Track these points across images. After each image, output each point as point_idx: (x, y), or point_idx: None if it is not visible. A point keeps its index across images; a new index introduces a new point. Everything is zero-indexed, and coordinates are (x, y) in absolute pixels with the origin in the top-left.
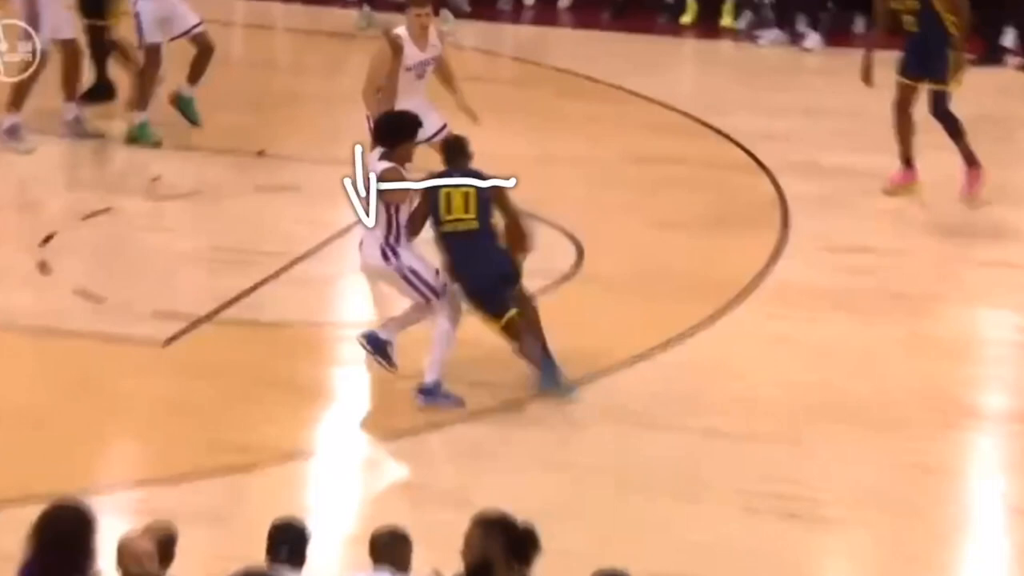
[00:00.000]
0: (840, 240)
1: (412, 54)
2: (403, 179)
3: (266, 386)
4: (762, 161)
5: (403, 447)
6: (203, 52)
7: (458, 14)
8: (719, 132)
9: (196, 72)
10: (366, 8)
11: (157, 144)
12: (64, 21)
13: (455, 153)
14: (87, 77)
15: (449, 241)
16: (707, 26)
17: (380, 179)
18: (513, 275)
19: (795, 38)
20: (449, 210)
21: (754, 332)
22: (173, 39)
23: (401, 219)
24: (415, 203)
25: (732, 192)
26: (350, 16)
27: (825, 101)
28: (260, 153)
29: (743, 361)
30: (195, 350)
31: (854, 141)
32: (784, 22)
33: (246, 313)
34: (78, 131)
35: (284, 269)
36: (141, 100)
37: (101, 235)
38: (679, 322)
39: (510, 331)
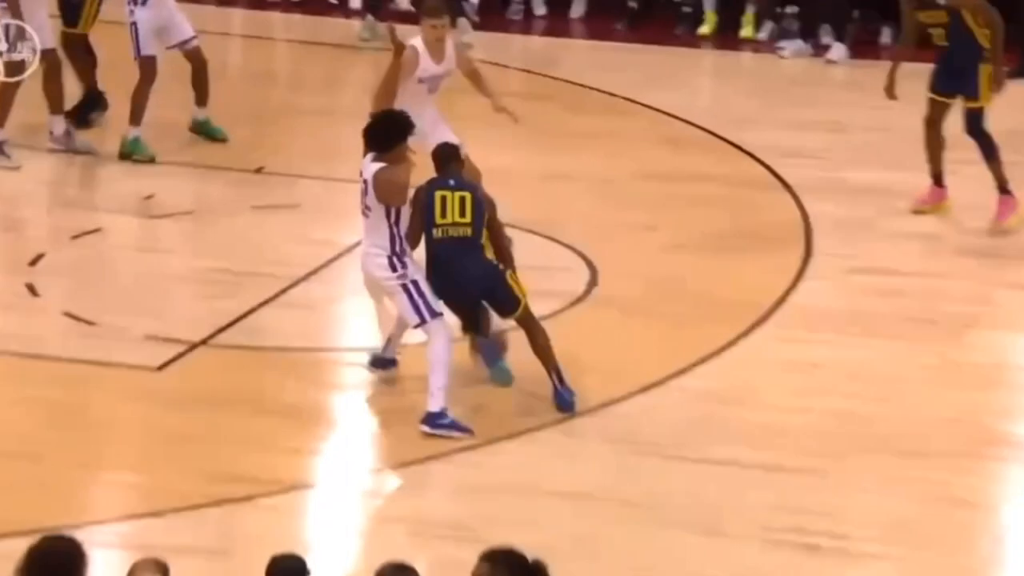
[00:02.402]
0: (866, 261)
1: (426, 67)
2: (397, 177)
3: (264, 414)
4: (784, 179)
5: (407, 477)
6: (199, 69)
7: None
8: (739, 148)
9: (200, 92)
10: (369, 18)
11: (151, 160)
12: (47, 31)
13: (447, 159)
14: (74, 90)
15: (439, 246)
16: (726, 37)
17: (375, 181)
18: (497, 288)
19: (819, 50)
20: (444, 213)
21: (775, 357)
22: (169, 48)
23: (403, 229)
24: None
25: (753, 211)
26: (352, 27)
27: (851, 116)
28: (258, 170)
29: (764, 388)
30: (190, 376)
31: (881, 158)
32: (807, 33)
33: (243, 337)
34: (68, 145)
35: (283, 291)
36: (135, 114)
37: (92, 256)
38: (697, 347)
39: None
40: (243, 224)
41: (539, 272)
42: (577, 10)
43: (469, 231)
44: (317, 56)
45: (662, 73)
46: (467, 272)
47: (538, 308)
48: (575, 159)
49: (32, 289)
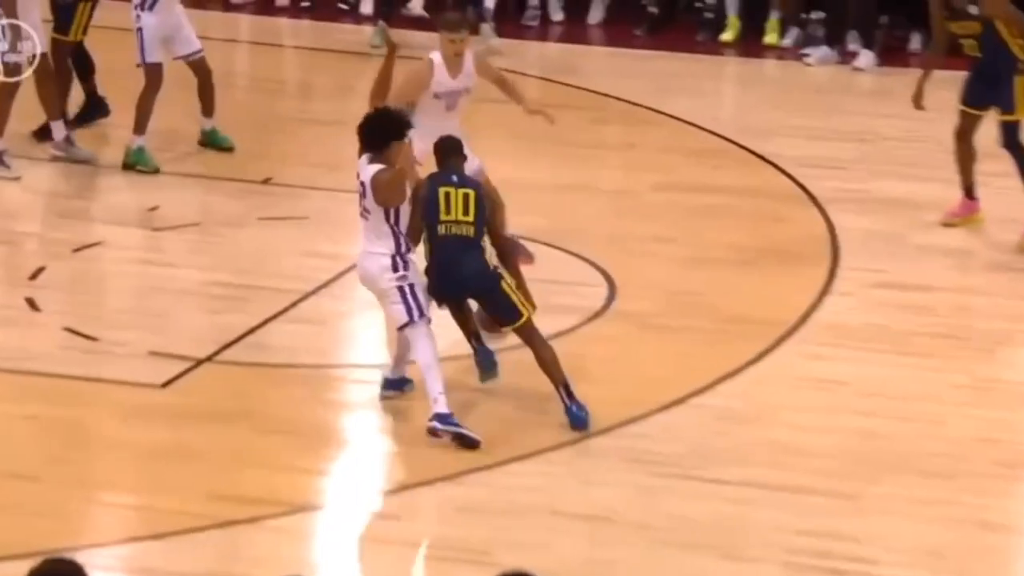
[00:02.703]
0: (894, 276)
1: (443, 81)
2: (396, 178)
3: (271, 432)
4: (809, 190)
5: (418, 498)
6: (204, 80)
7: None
8: (762, 159)
9: (207, 103)
10: (381, 24)
11: (155, 170)
12: (39, 34)
13: (449, 153)
14: (77, 95)
15: (442, 243)
16: (750, 44)
17: (374, 183)
18: (493, 293)
19: (846, 57)
20: (448, 210)
21: (799, 375)
22: (174, 59)
23: (403, 227)
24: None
25: (776, 224)
26: (363, 33)
27: (878, 125)
28: (265, 181)
29: (787, 407)
30: (194, 394)
31: (910, 169)
32: (834, 39)
33: (250, 354)
34: (69, 152)
35: (291, 306)
36: (139, 123)
37: (94, 269)
38: (718, 364)
39: (527, 329)
40: (250, 237)
41: (556, 286)
42: (595, 16)
43: (472, 230)
44: (326, 63)
45: (683, 81)
46: (463, 270)
47: (555, 323)
48: (593, 170)
49: (32, 304)
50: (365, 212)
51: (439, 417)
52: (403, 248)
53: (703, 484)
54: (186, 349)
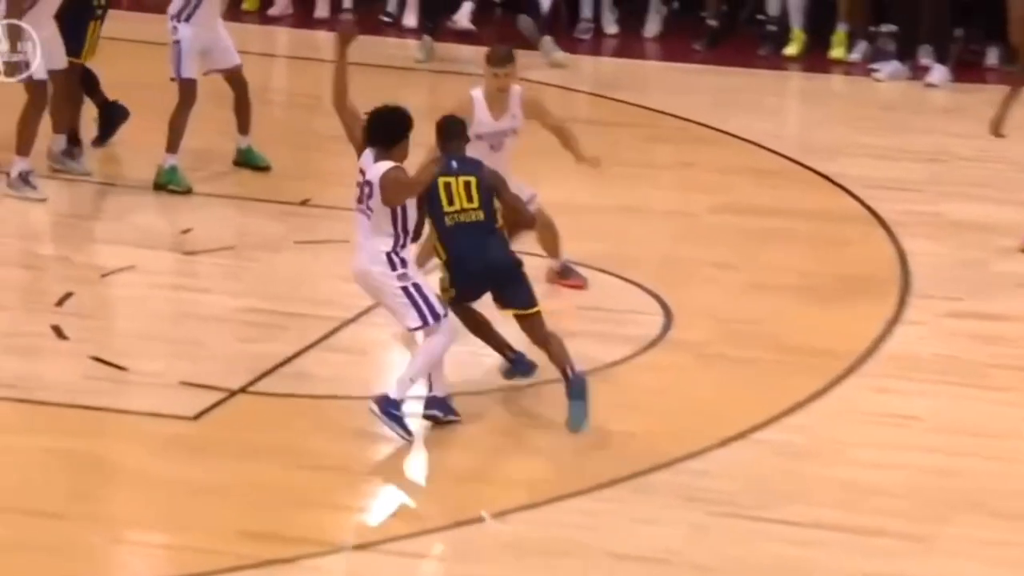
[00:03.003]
0: (968, 305)
1: (484, 120)
2: (407, 178)
3: (308, 468)
4: (878, 213)
5: (462, 537)
6: (241, 95)
7: (532, 43)
8: (828, 180)
9: (243, 120)
10: (427, 39)
11: (188, 191)
12: (58, 50)
13: (451, 136)
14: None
15: (452, 233)
16: (815, 58)
17: (384, 182)
18: (517, 268)
19: (918, 72)
20: (451, 201)
21: (867, 409)
22: (207, 73)
23: (409, 226)
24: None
25: (843, 248)
26: (407, 47)
27: (952, 145)
28: (303, 202)
29: (854, 443)
30: (228, 426)
31: (985, 191)
32: (905, 54)
33: (286, 384)
34: (66, 166)
35: (330, 334)
36: (172, 141)
37: (123, 295)
38: (781, 397)
39: (530, 320)
40: (287, 261)
41: (609, 314)
42: (651, 29)
43: (481, 215)
44: (368, 78)
45: (743, 97)
46: (486, 256)
47: (608, 352)
48: (648, 191)
49: (58, 331)
50: (367, 210)
51: (384, 401)
52: (400, 245)
53: (764, 524)
54: (219, 379)
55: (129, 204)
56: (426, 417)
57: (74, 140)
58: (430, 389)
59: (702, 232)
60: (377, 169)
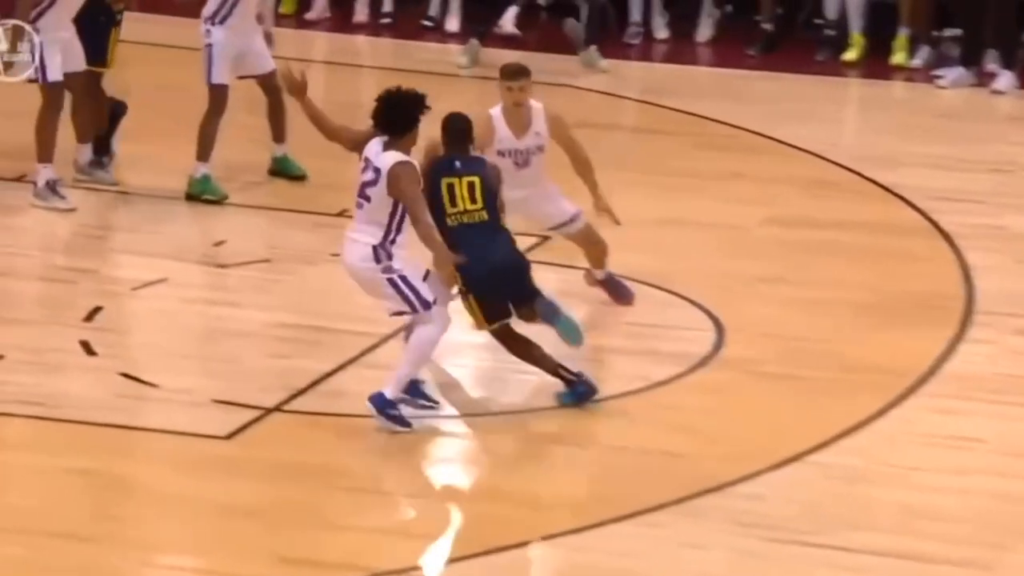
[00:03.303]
0: None
1: (505, 139)
2: (416, 170)
3: (345, 490)
4: (940, 225)
5: (508, 562)
6: (275, 102)
7: (578, 48)
8: (889, 191)
9: (278, 128)
10: (473, 43)
11: (222, 201)
12: (75, 52)
13: (456, 136)
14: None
15: (456, 235)
16: (876, 64)
17: (394, 176)
18: (525, 267)
19: (983, 78)
20: (453, 202)
21: (929, 431)
22: (242, 77)
23: (405, 223)
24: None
25: (903, 262)
26: (449, 52)
27: (1018, 154)
28: (341, 213)
29: (915, 466)
30: (262, 446)
31: None
32: (970, 59)
33: (323, 403)
34: (94, 176)
35: (368, 350)
36: (203, 149)
37: (154, 310)
38: (838, 418)
39: (501, 333)
40: (323, 274)
41: (657, 330)
42: (704, 33)
43: (485, 215)
44: (408, 84)
45: (799, 105)
46: (494, 257)
47: (657, 371)
48: (699, 203)
49: (87, 347)
50: (367, 199)
51: (380, 400)
52: (389, 240)
53: (819, 551)
54: (253, 397)
55: (160, 215)
56: (416, 406)
57: (102, 150)
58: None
59: (753, 245)
60: (386, 160)
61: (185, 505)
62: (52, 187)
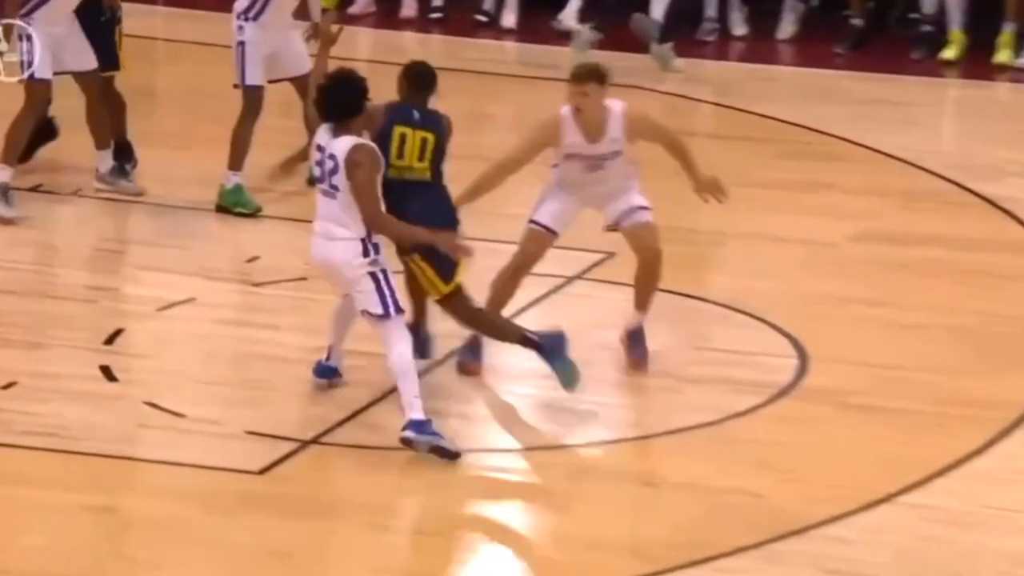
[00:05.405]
0: None
1: (575, 143)
2: (376, 155)
3: (388, 529)
4: None
5: None
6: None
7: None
8: (992, 203)
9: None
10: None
11: (255, 213)
12: (78, 50)
13: (418, 84)
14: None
15: (395, 188)
16: (977, 63)
17: (351, 161)
18: (456, 228)
19: None
20: (400, 154)
21: None
22: (275, 81)
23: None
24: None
25: (1008, 284)
26: (504, 49)
27: None
28: None
29: (1020, 508)
30: (297, 481)
31: None
32: None
33: (364, 435)
34: (116, 185)
35: None
36: (235, 157)
37: (181, 332)
38: (935, 455)
39: (453, 300)
40: None
41: (735, 356)
42: (786, 30)
43: (428, 175)
44: (458, 85)
45: (892, 109)
46: (422, 215)
47: (735, 401)
48: (781, 217)
49: (107, 373)
50: (332, 189)
51: (415, 425)
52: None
53: None
54: (288, 428)
55: (188, 228)
56: (313, 377)
57: (124, 156)
58: (328, 358)
59: (842, 264)
60: (340, 146)
61: (212, 547)
62: (3, 191)
